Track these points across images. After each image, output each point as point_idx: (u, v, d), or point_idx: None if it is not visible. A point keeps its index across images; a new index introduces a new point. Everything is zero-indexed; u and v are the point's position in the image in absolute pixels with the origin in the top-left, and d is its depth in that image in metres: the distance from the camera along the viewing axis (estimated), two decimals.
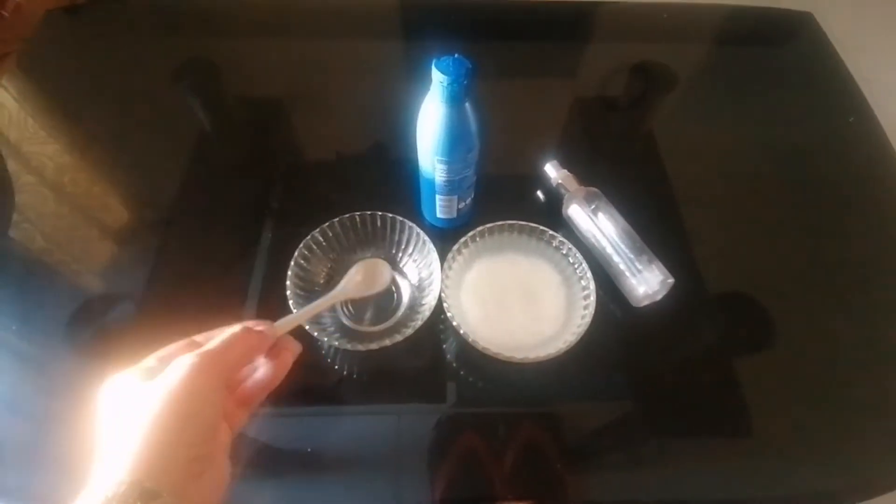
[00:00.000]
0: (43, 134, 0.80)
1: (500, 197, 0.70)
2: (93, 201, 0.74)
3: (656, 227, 0.66)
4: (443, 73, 0.46)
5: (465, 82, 0.47)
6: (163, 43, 0.93)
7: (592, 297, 0.56)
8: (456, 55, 0.47)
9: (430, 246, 0.59)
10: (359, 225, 0.62)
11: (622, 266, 0.61)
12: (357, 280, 0.59)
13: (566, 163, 0.71)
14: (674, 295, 0.61)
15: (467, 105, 0.50)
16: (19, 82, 0.87)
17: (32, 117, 0.82)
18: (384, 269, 0.61)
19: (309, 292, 0.59)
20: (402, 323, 0.59)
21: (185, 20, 0.98)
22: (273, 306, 0.57)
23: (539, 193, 0.73)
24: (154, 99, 0.85)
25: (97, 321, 0.63)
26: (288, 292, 0.56)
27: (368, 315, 0.61)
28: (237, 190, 0.75)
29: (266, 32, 0.95)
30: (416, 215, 0.67)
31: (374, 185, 0.73)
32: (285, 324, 0.52)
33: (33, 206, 0.73)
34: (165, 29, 0.96)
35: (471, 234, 0.60)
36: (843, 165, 0.80)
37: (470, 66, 0.47)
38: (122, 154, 0.79)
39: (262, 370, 0.42)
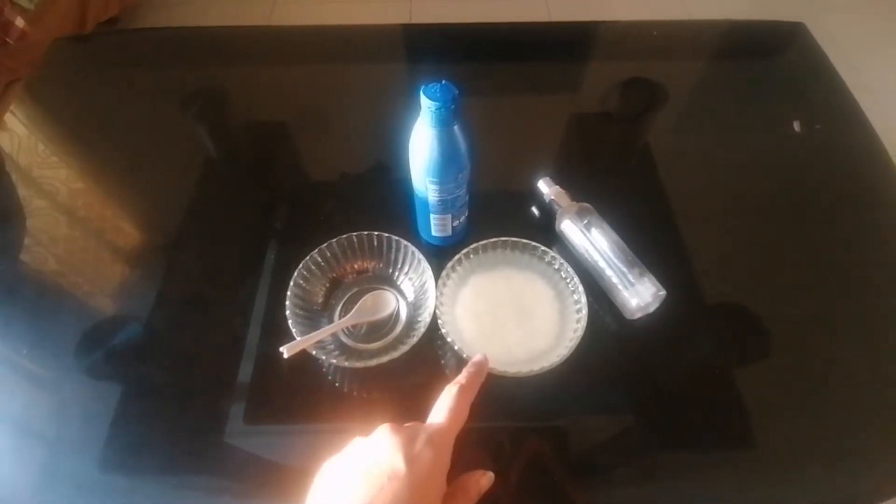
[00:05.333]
0: (54, 159, 0.83)
1: (496, 214, 0.72)
2: (105, 224, 0.76)
3: (651, 240, 0.67)
4: (430, 98, 0.48)
5: (453, 107, 0.48)
6: (167, 70, 0.96)
7: (584, 311, 0.57)
8: (443, 81, 0.49)
9: (425, 264, 0.61)
10: (356, 244, 0.64)
11: (615, 279, 0.62)
12: (367, 306, 0.63)
13: (561, 179, 0.72)
14: (669, 306, 0.62)
15: (456, 128, 0.52)
16: (28, 109, 0.89)
17: (43, 143, 0.85)
18: (390, 297, 0.64)
19: (308, 312, 0.61)
20: (399, 340, 0.61)
21: (188, 49, 1.01)
22: (277, 327, 0.59)
23: (534, 209, 0.74)
24: (160, 125, 0.87)
25: (106, 343, 0.65)
26: (287, 312, 0.58)
27: (365, 331, 0.63)
28: (242, 212, 0.77)
29: (269, 60, 0.98)
30: (413, 234, 0.69)
31: (374, 205, 0.74)
32: (296, 346, 0.54)
33: (45, 229, 0.75)
34: (169, 57, 0.99)
35: (464, 251, 0.62)
36: (838, 174, 0.81)
37: (457, 91, 0.48)
38: (130, 179, 0.81)
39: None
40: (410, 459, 0.38)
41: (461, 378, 0.45)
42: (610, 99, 0.91)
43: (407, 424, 0.42)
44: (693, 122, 0.89)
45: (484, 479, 0.44)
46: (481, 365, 0.47)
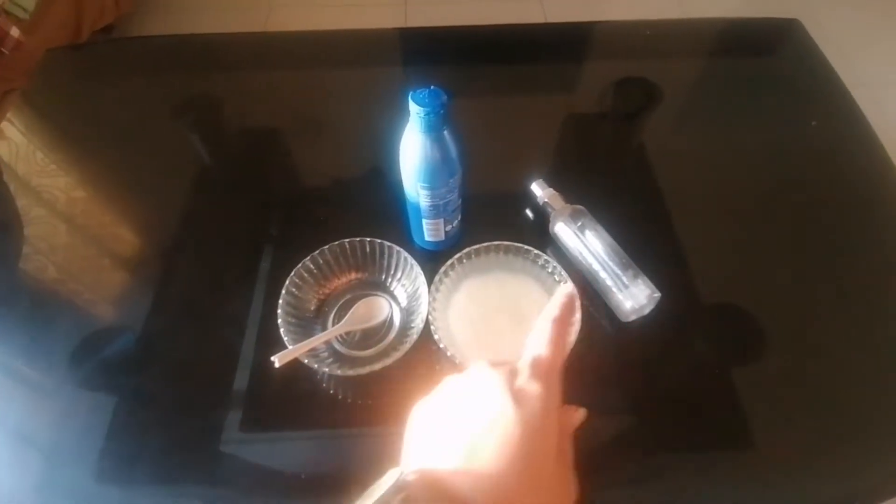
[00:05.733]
0: (52, 167, 0.83)
1: (489, 217, 0.71)
2: (101, 232, 0.76)
3: (645, 242, 0.66)
4: (418, 104, 0.48)
5: (442, 112, 0.48)
6: (162, 78, 0.96)
7: (578, 315, 0.57)
8: (432, 87, 0.48)
9: (418, 269, 0.61)
10: (348, 251, 0.64)
11: (609, 282, 0.62)
12: (360, 313, 0.62)
13: (555, 181, 0.72)
14: (664, 308, 0.61)
15: (446, 133, 0.51)
16: (25, 118, 0.89)
17: (40, 151, 0.85)
18: (383, 304, 0.64)
19: (301, 319, 0.61)
20: (393, 346, 0.60)
21: (183, 56, 1.01)
22: (272, 335, 0.59)
23: (528, 212, 0.74)
24: (155, 132, 0.87)
25: (101, 353, 0.65)
26: (279, 321, 0.57)
27: (358, 338, 0.63)
28: (237, 219, 0.77)
29: (264, 66, 0.98)
30: (406, 239, 0.69)
31: (367, 210, 0.74)
32: (288, 355, 0.54)
33: (45, 237, 0.75)
34: (164, 64, 0.99)
35: (457, 256, 0.61)
36: (834, 171, 0.80)
37: (445, 96, 0.48)
38: (126, 187, 0.81)
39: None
40: (517, 396, 0.33)
41: (553, 310, 0.39)
42: (605, 99, 0.91)
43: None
44: (688, 121, 0.89)
45: (577, 415, 0.39)
46: (572, 296, 0.41)
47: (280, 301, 0.59)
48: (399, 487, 0.30)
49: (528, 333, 0.59)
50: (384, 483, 0.31)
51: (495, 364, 0.36)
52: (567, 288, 0.42)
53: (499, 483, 0.31)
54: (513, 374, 0.35)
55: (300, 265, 0.61)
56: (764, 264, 0.71)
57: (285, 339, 0.56)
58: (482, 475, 0.31)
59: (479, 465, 0.32)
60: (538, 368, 0.36)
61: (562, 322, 0.39)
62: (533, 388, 0.34)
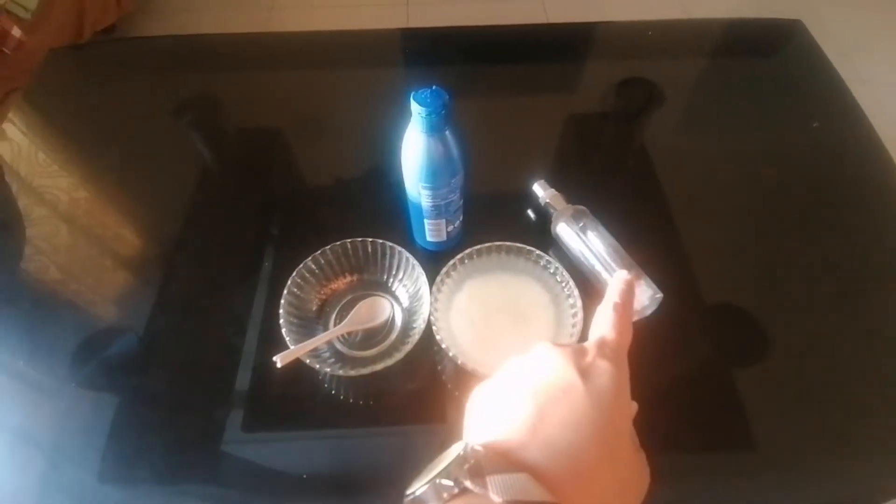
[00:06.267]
0: (54, 168, 0.83)
1: (491, 218, 0.71)
2: (103, 232, 0.76)
3: (648, 242, 0.66)
4: (420, 104, 0.48)
5: (444, 112, 0.48)
6: (164, 78, 0.96)
7: (580, 316, 0.57)
8: (434, 87, 0.48)
9: (420, 270, 0.61)
10: (350, 251, 0.64)
11: None
12: (361, 313, 0.62)
13: (557, 181, 0.72)
14: (666, 309, 0.61)
15: (448, 133, 0.51)
16: (27, 117, 0.90)
17: (42, 151, 0.85)
18: (385, 304, 0.64)
19: (303, 320, 0.61)
20: (395, 346, 0.60)
21: (184, 56, 1.01)
22: (274, 335, 0.59)
23: (529, 212, 0.74)
24: (157, 133, 0.87)
25: (102, 353, 0.65)
26: (281, 321, 0.57)
27: (360, 338, 0.63)
28: (239, 219, 0.77)
29: (265, 66, 0.98)
30: (408, 239, 0.69)
31: (369, 211, 0.74)
32: (290, 355, 0.54)
33: (46, 238, 0.75)
34: (166, 64, 0.99)
35: (459, 256, 0.61)
36: (836, 171, 0.80)
37: (447, 96, 0.48)
38: (128, 187, 0.81)
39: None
40: (585, 372, 0.32)
41: (613, 296, 0.39)
42: (607, 99, 0.91)
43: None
44: (690, 122, 0.89)
45: (632, 407, 0.38)
46: (630, 281, 0.41)
47: (282, 301, 0.59)
48: (465, 458, 0.29)
49: (532, 334, 0.59)
50: (448, 455, 0.30)
51: (561, 344, 0.35)
52: (622, 274, 0.41)
53: (570, 453, 0.30)
54: (579, 352, 0.34)
55: (302, 265, 0.61)
56: (766, 265, 0.71)
57: (287, 339, 0.56)
58: (553, 445, 0.30)
59: (548, 435, 0.30)
60: (605, 348, 0.35)
61: (623, 306, 0.39)
62: (602, 365, 0.33)
